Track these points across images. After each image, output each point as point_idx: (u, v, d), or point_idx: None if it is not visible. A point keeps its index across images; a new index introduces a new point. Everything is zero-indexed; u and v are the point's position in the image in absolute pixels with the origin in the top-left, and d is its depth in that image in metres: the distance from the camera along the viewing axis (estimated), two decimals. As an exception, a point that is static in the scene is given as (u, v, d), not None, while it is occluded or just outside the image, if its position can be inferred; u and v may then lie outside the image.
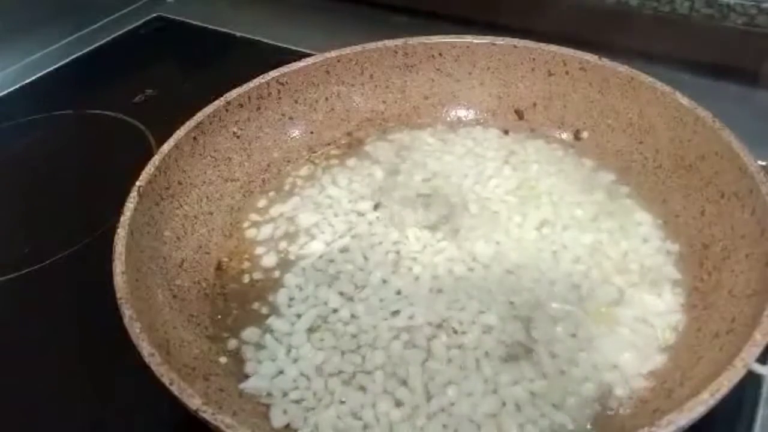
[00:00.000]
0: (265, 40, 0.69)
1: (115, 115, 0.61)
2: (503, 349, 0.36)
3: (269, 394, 0.35)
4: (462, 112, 0.52)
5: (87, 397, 0.39)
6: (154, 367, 0.30)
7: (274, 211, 0.46)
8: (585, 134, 0.48)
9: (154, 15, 0.77)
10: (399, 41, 0.50)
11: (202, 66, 0.69)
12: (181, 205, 0.42)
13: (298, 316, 0.39)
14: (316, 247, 0.43)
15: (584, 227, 0.42)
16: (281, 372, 0.36)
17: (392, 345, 0.36)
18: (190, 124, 0.44)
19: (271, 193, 0.47)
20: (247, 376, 0.36)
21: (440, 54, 0.50)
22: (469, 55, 0.50)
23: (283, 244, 0.43)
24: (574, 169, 0.47)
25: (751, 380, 0.33)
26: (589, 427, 0.33)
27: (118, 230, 0.36)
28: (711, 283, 0.37)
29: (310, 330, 0.38)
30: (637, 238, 0.41)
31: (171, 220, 0.41)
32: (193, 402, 0.29)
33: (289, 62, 0.49)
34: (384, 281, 0.40)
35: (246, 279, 0.41)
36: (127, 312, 0.32)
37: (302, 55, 0.50)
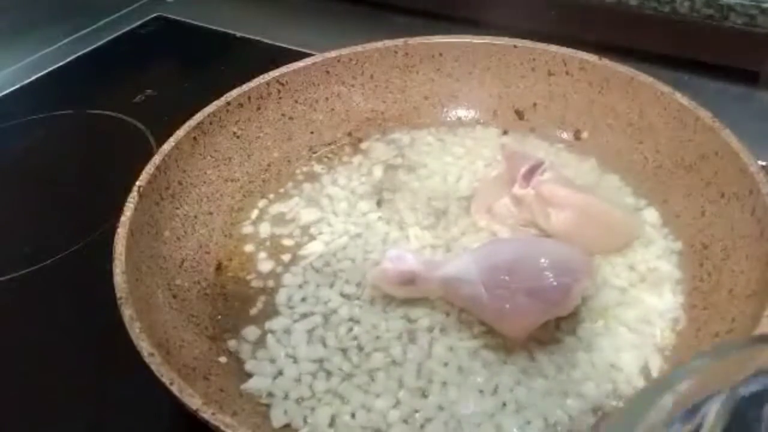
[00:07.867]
0: (265, 40, 0.69)
1: (115, 115, 0.61)
2: (503, 349, 0.36)
3: (269, 394, 0.35)
4: (462, 112, 0.52)
5: (87, 397, 0.39)
6: (154, 367, 0.30)
7: (274, 210, 0.46)
8: (585, 134, 0.48)
9: (154, 15, 0.77)
10: (399, 41, 0.50)
11: (202, 66, 0.69)
12: (181, 205, 0.42)
13: (299, 316, 0.39)
14: (316, 247, 0.43)
15: (584, 227, 0.42)
16: (281, 372, 0.36)
17: (392, 345, 0.36)
18: (190, 124, 0.44)
19: (271, 194, 0.47)
20: (247, 376, 0.36)
21: (440, 54, 0.50)
22: (469, 55, 0.50)
23: (283, 244, 0.43)
24: (573, 169, 0.47)
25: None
26: (589, 427, 0.32)
27: (118, 230, 0.36)
28: (711, 283, 0.37)
29: (310, 330, 0.38)
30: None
31: (171, 220, 0.41)
32: (193, 402, 0.29)
33: (289, 62, 0.49)
34: (384, 281, 0.40)
35: (246, 279, 0.41)
36: (127, 312, 0.32)
37: (302, 55, 0.50)
